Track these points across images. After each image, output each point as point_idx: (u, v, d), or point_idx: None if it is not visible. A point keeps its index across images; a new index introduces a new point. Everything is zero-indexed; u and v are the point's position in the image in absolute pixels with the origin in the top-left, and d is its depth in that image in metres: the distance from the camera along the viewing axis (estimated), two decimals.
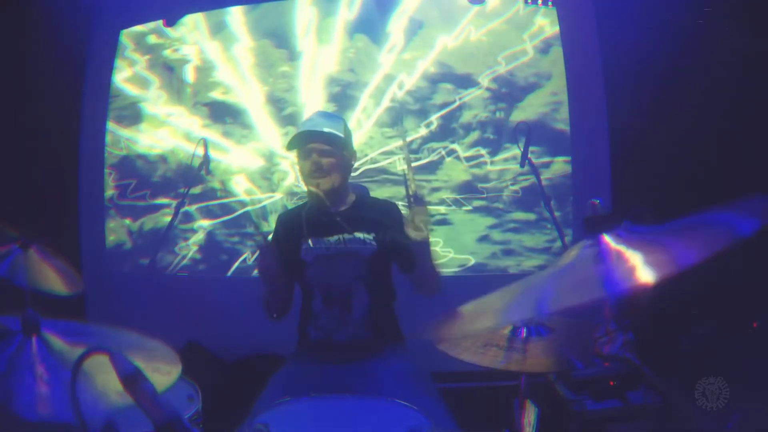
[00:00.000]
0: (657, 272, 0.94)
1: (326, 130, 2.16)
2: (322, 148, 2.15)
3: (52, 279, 2.02)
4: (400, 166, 3.58)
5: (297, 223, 2.22)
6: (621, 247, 1.08)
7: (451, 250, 3.56)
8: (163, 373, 1.13)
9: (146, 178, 3.81)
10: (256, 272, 2.17)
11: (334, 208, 2.21)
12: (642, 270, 0.98)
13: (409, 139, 3.53)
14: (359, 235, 2.16)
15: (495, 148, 3.58)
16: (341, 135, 2.18)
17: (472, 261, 3.57)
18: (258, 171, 3.72)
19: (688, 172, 3.17)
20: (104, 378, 0.98)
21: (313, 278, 2.19)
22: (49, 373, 1.04)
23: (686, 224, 1.10)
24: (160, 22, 3.74)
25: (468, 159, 3.59)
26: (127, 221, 3.83)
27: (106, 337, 1.25)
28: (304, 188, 2.28)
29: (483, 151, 3.59)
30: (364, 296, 2.15)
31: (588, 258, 1.09)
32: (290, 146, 2.21)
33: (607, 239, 1.12)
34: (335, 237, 2.17)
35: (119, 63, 3.80)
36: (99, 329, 1.28)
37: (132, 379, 0.93)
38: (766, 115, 2.99)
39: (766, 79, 2.97)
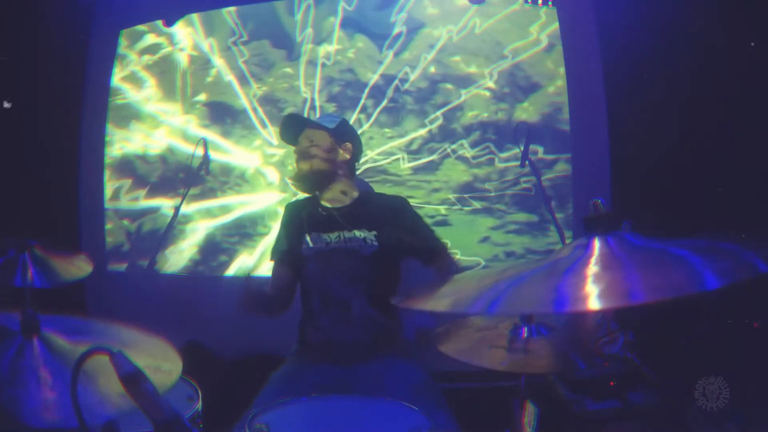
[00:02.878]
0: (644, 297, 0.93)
1: (311, 120, 2.30)
2: (304, 137, 2.25)
3: (61, 268, 2.03)
4: (403, 165, 3.58)
5: (299, 216, 2.25)
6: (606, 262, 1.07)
7: (457, 252, 3.55)
8: (164, 372, 1.13)
9: (144, 179, 3.80)
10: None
11: (329, 200, 2.24)
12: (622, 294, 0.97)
13: (409, 137, 3.53)
14: (359, 233, 2.14)
15: (496, 149, 3.57)
16: (325, 123, 2.25)
17: (483, 263, 3.55)
18: (257, 171, 3.71)
19: (688, 173, 3.17)
20: (105, 379, 0.97)
21: (311, 276, 2.18)
22: (52, 376, 1.04)
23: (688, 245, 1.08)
24: (157, 21, 3.75)
25: (468, 159, 3.59)
26: (126, 222, 3.82)
27: (106, 335, 1.25)
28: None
29: (484, 152, 3.59)
30: (363, 297, 2.12)
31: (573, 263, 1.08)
32: (281, 132, 2.35)
33: (599, 245, 1.11)
34: (335, 234, 2.16)
35: (116, 62, 3.80)
36: (100, 326, 1.28)
37: (132, 378, 0.92)
38: (767, 115, 2.99)
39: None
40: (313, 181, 2.21)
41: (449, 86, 3.60)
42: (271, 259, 2.31)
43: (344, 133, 2.29)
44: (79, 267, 2.10)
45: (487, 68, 3.58)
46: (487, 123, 3.59)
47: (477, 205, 3.58)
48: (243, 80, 3.71)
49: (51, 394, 1.01)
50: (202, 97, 3.76)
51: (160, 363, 1.14)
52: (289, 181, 2.33)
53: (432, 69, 3.60)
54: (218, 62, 3.73)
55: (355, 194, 2.27)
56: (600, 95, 3.46)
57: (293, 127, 2.29)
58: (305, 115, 3.57)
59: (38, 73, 3.45)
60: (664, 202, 3.16)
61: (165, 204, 3.76)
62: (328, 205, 2.24)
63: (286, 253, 2.24)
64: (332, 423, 1.63)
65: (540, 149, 3.51)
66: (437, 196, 3.59)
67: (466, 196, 3.58)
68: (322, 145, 2.21)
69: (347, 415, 1.64)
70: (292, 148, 2.31)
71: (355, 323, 2.12)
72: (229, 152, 3.73)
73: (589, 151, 3.52)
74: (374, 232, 2.14)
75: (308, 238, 2.18)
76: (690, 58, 3.14)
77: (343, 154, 2.25)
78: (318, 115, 3.61)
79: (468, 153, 3.58)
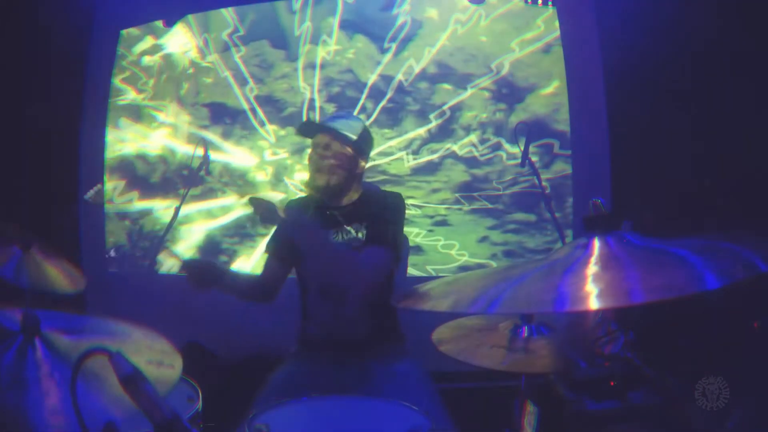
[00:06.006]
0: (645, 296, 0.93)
1: (334, 125, 2.17)
2: (323, 142, 2.16)
3: (54, 277, 2.02)
4: (407, 164, 3.57)
5: (300, 214, 2.23)
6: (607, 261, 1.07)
7: (465, 253, 3.55)
8: (167, 366, 1.12)
9: (144, 179, 3.80)
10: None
11: (333, 203, 2.22)
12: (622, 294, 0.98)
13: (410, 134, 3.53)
14: (354, 229, 2.16)
15: (496, 148, 3.58)
16: (348, 134, 2.16)
17: (494, 266, 3.54)
18: (257, 172, 3.71)
19: (688, 173, 3.17)
20: (106, 378, 0.97)
21: (309, 272, 2.20)
22: (53, 376, 1.03)
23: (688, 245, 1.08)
24: (157, 22, 3.74)
25: (468, 159, 3.59)
26: (126, 222, 3.82)
27: (106, 333, 1.25)
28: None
29: (485, 152, 3.59)
30: (360, 294, 2.12)
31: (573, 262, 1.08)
32: (297, 132, 2.33)
33: (599, 245, 1.12)
34: (336, 231, 2.17)
35: (116, 62, 3.80)
36: (100, 324, 1.28)
37: (131, 379, 0.92)
38: (766, 114, 2.99)
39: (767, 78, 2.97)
40: (329, 194, 2.19)
41: (449, 86, 3.60)
42: (266, 251, 2.31)
43: (365, 145, 2.23)
44: (74, 280, 2.09)
45: (488, 67, 3.57)
46: (487, 123, 3.59)
47: (483, 202, 3.57)
48: (242, 81, 3.71)
49: (52, 395, 1.01)
50: (201, 97, 3.75)
51: (162, 358, 1.14)
52: (302, 186, 2.30)
53: (432, 69, 3.60)
54: (218, 62, 3.73)
55: (358, 193, 2.26)
56: (600, 95, 3.47)
57: (310, 132, 2.24)
58: (304, 114, 3.57)
59: (38, 73, 3.44)
60: (664, 202, 3.16)
61: (165, 204, 3.76)
62: (331, 204, 2.23)
63: (281, 248, 2.24)
64: (332, 423, 1.63)
65: (556, 143, 3.52)
66: (437, 196, 3.59)
67: (475, 194, 3.57)
68: (342, 158, 2.15)
69: (347, 415, 1.64)
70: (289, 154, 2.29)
71: (351, 320, 2.13)
72: (229, 152, 3.73)
73: (589, 151, 3.52)
74: (365, 224, 2.15)
75: (308, 236, 2.16)
76: (690, 58, 3.14)
77: (362, 165, 2.22)
78: (318, 115, 3.60)
79: (468, 153, 3.58)
